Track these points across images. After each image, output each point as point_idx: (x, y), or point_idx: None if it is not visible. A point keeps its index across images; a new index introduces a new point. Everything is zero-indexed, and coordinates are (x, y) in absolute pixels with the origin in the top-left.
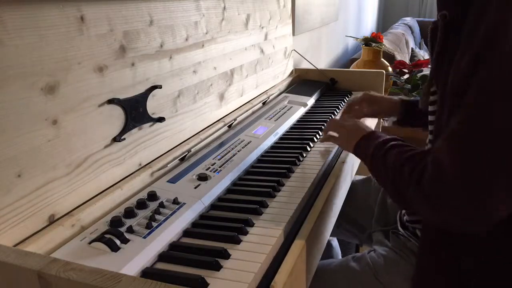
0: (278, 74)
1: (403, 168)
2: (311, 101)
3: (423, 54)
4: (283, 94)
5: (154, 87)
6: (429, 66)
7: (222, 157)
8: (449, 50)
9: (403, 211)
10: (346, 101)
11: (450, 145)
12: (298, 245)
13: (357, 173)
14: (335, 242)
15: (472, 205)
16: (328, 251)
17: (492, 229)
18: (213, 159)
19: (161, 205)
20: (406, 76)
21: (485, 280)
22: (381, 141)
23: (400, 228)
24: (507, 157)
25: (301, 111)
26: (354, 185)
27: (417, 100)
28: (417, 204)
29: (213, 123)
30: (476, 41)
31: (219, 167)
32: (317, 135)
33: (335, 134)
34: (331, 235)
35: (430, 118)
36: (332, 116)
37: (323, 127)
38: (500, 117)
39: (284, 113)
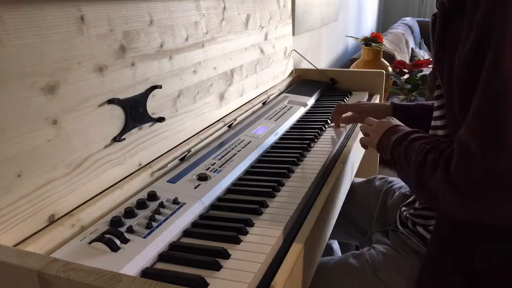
0: (278, 74)
1: (427, 156)
2: (311, 101)
3: (423, 54)
4: (283, 94)
5: (154, 87)
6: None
7: (222, 157)
8: (448, 38)
9: (403, 209)
10: (345, 101)
11: (474, 131)
12: (298, 245)
13: (358, 175)
14: (335, 245)
15: (504, 191)
16: (329, 254)
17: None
18: (213, 159)
19: (161, 205)
20: (406, 76)
21: (497, 280)
22: (401, 134)
23: (400, 227)
24: None
25: (301, 111)
26: (354, 187)
27: (408, 104)
28: (443, 192)
29: (213, 123)
30: (474, 29)
31: (219, 167)
32: (317, 135)
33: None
34: (331, 237)
35: (436, 113)
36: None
37: (323, 127)
38: None
39: (284, 113)
